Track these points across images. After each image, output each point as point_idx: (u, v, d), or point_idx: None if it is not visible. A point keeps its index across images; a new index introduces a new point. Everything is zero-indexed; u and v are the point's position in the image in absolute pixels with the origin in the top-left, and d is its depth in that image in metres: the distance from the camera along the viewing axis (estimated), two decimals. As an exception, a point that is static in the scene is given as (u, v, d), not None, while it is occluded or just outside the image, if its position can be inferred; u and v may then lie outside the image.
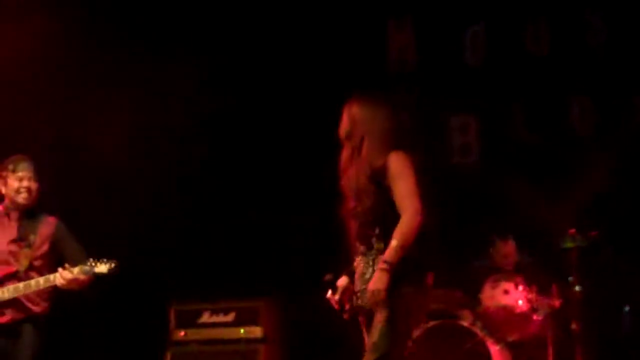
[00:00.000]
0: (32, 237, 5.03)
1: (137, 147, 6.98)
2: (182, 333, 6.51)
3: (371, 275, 3.99)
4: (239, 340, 6.44)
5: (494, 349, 6.10)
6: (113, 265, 4.87)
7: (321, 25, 7.34)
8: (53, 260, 5.04)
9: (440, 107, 7.33)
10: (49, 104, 6.95)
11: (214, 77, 7.25)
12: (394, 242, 3.93)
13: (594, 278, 6.12)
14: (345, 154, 4.23)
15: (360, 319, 4.18)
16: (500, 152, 7.19)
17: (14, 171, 5.06)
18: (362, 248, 4.08)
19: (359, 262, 4.12)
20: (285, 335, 6.67)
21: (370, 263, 4.04)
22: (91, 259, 4.87)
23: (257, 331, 6.39)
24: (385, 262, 3.93)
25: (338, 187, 4.22)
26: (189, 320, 6.53)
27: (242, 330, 6.45)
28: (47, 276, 4.89)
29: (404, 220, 3.95)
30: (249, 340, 6.40)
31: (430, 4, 7.39)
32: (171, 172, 7.08)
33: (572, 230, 6.05)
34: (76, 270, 4.83)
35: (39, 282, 4.89)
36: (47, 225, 5.10)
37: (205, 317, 6.52)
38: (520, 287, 6.21)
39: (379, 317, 3.96)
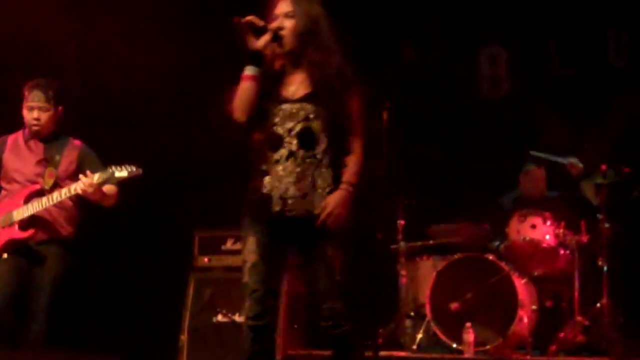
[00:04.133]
0: (57, 158, 4.97)
1: (167, 74, 6.82)
2: (206, 259, 6.49)
3: (319, 182, 3.79)
4: (262, 268, 6.41)
5: (519, 283, 6.07)
6: (134, 168, 4.74)
7: None
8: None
9: (469, 38, 7.17)
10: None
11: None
12: (357, 167, 3.82)
13: (624, 215, 6.06)
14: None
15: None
16: (531, 85, 7.05)
17: (26, 99, 4.99)
18: (301, 152, 3.79)
19: (284, 164, 3.81)
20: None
21: (311, 169, 3.79)
22: (113, 166, 4.76)
23: (279, 259, 6.33)
24: (351, 185, 3.81)
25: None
26: (213, 247, 6.50)
27: (265, 258, 6.41)
28: (69, 186, 4.81)
29: (360, 152, 3.84)
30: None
31: None
32: (199, 102, 6.95)
33: (604, 166, 5.98)
34: (97, 176, 4.74)
35: (61, 192, 4.82)
36: (73, 148, 5.04)
37: (229, 244, 6.49)
38: (548, 222, 6.15)
39: (334, 248, 3.80)
